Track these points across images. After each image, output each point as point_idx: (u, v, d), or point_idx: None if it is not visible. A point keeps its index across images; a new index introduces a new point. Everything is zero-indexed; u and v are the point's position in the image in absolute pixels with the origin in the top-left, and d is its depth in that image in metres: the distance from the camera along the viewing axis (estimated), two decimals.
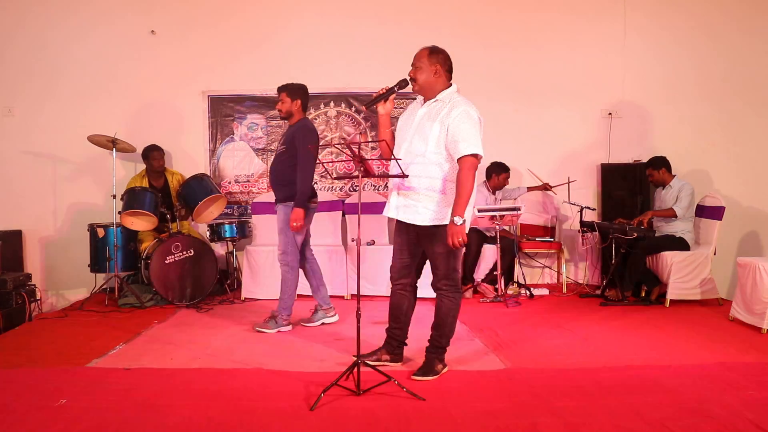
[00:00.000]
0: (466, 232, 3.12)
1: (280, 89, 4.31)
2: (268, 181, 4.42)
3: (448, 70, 3.25)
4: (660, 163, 5.36)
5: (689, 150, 6.08)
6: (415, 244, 3.33)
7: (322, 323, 4.49)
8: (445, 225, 3.11)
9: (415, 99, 3.42)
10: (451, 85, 3.26)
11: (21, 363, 3.61)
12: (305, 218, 4.25)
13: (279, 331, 4.30)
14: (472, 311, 4.94)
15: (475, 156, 3.09)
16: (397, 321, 3.49)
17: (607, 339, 4.10)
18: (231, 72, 6.01)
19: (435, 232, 3.18)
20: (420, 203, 3.19)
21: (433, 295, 3.37)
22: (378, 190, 6.10)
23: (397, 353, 3.51)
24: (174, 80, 6.03)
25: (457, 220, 3.04)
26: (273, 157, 4.48)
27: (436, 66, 3.20)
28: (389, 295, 5.31)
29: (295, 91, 4.29)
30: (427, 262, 3.39)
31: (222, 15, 6.04)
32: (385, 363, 3.48)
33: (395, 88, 3.23)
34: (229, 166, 6.10)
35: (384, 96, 3.25)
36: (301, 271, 4.44)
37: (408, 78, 3.24)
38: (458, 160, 3.10)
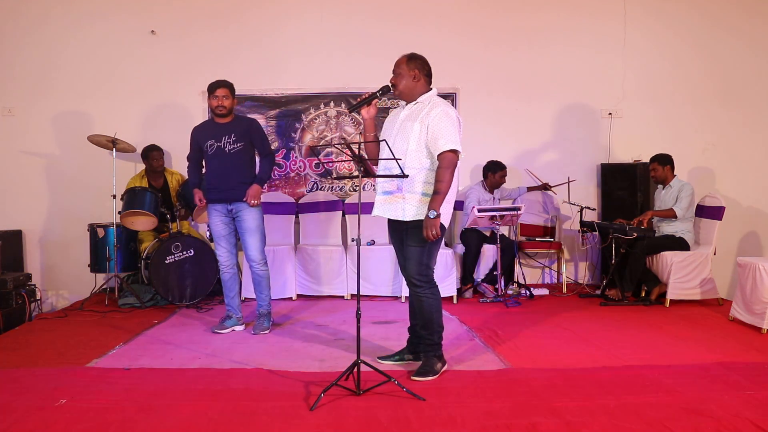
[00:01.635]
0: (446, 226, 3.26)
1: (223, 84, 4.21)
2: (218, 182, 4.22)
3: (427, 74, 3.38)
4: (667, 160, 5.36)
5: (689, 150, 6.08)
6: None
7: (233, 330, 4.40)
8: (422, 219, 3.22)
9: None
10: (431, 89, 3.38)
11: (21, 363, 3.61)
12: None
13: (273, 323, 4.38)
14: (472, 311, 4.94)
15: (454, 152, 3.20)
16: (415, 318, 3.55)
17: (607, 339, 4.10)
18: (231, 72, 5.93)
19: (416, 226, 3.25)
20: (404, 200, 3.25)
21: (447, 294, 3.41)
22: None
23: (420, 351, 3.50)
24: (174, 80, 6.03)
25: (431, 213, 3.14)
26: (218, 155, 4.22)
27: (414, 71, 3.33)
28: (389, 295, 5.41)
29: (234, 89, 4.30)
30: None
31: (222, 15, 6.04)
32: (410, 361, 3.54)
33: (378, 94, 3.34)
34: None
35: (366, 101, 3.34)
36: (228, 273, 4.38)
37: (390, 84, 3.36)
38: (438, 156, 3.20)
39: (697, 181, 5.80)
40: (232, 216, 4.30)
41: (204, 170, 4.38)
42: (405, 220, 3.26)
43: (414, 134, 3.24)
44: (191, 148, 4.40)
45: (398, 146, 3.27)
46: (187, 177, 5.50)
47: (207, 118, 6.02)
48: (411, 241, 3.28)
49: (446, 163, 3.17)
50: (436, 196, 3.17)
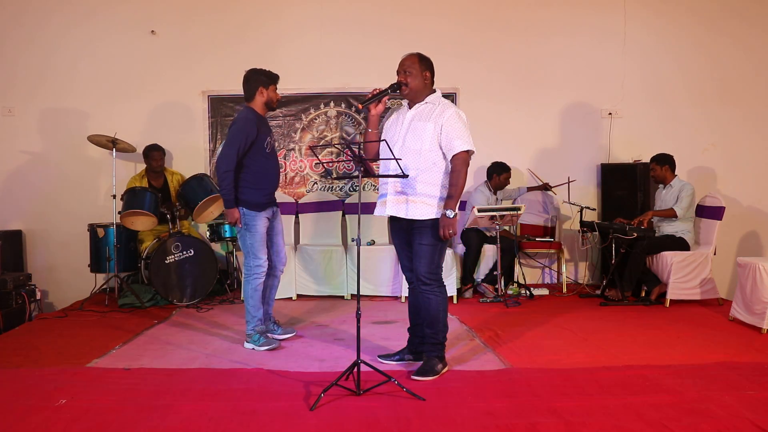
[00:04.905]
0: (464, 228, 3.25)
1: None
2: (273, 184, 4.01)
3: (433, 76, 3.43)
4: (665, 160, 5.36)
5: (689, 150, 6.08)
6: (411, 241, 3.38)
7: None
8: (437, 218, 3.25)
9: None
10: (434, 90, 3.42)
11: (21, 363, 3.62)
12: None
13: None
14: (472, 311, 4.94)
15: (468, 153, 3.27)
16: (415, 318, 3.55)
17: (607, 339, 4.10)
18: (231, 72, 5.95)
19: (429, 225, 3.27)
20: (418, 198, 3.27)
21: (447, 294, 3.43)
22: (378, 190, 6.09)
23: (420, 351, 3.51)
24: (174, 80, 6.03)
25: (450, 213, 3.20)
26: (273, 156, 4.04)
27: (426, 73, 3.38)
28: (389, 295, 5.41)
29: None
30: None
31: (222, 15, 6.04)
32: (410, 361, 3.54)
33: (388, 90, 3.35)
34: None
35: (378, 97, 3.35)
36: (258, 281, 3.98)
37: (400, 82, 3.36)
38: (453, 156, 3.25)
39: (697, 181, 5.79)
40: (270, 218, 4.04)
41: (251, 170, 3.85)
42: (420, 219, 3.26)
43: (428, 134, 3.26)
44: (241, 149, 3.77)
45: (410, 146, 3.29)
46: (187, 177, 5.52)
47: (207, 118, 6.06)
48: (423, 240, 3.29)
49: (461, 163, 3.24)
50: (453, 195, 3.22)
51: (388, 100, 3.48)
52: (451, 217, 3.19)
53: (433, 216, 3.26)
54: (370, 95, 3.34)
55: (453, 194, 3.22)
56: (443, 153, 3.28)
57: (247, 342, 3.95)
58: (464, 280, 5.52)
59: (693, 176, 6.06)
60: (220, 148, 6.02)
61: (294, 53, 6.06)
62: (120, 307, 5.11)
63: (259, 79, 3.89)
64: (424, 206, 3.25)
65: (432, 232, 3.26)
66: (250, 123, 3.82)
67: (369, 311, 4.83)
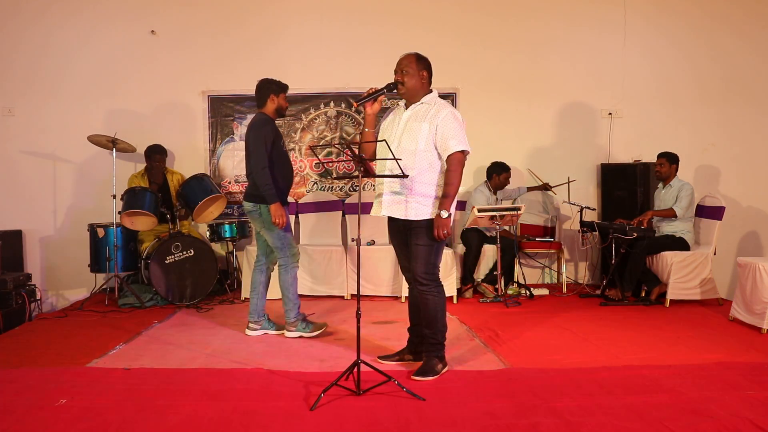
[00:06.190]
0: (451, 226, 3.26)
1: None
2: (291, 182, 4.33)
3: (431, 75, 3.42)
4: (676, 158, 5.37)
5: (689, 150, 6.07)
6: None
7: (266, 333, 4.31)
8: (433, 219, 3.25)
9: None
10: (431, 90, 3.41)
11: (21, 363, 3.61)
12: None
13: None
14: (472, 311, 4.94)
15: (463, 153, 3.26)
16: (415, 319, 3.55)
17: (607, 339, 4.10)
18: (231, 72, 6.02)
19: (425, 225, 3.27)
20: (413, 199, 3.27)
21: (447, 294, 3.42)
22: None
23: (420, 351, 3.51)
24: (174, 80, 6.03)
25: (444, 213, 3.19)
26: (288, 155, 4.30)
27: (423, 72, 3.37)
28: (389, 295, 5.41)
29: None
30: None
31: (222, 15, 6.04)
32: (410, 361, 3.54)
33: (384, 90, 3.34)
34: (229, 166, 6.10)
35: (373, 96, 3.34)
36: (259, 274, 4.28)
37: (396, 81, 3.35)
38: (448, 156, 3.24)
39: (697, 181, 5.80)
40: None
41: (274, 169, 4.05)
42: (416, 219, 3.26)
43: (423, 134, 3.26)
44: (266, 150, 4.00)
45: (405, 146, 3.28)
46: (187, 177, 5.53)
47: (207, 118, 6.06)
48: (419, 240, 3.29)
49: (456, 163, 3.23)
50: (448, 196, 3.21)
51: (387, 100, 3.47)
52: (445, 217, 3.19)
53: (428, 216, 3.25)
54: (365, 94, 3.34)
55: (448, 194, 3.22)
56: (438, 153, 3.27)
57: (290, 331, 4.11)
58: (464, 280, 5.52)
59: (693, 176, 6.06)
60: (223, 142, 6.03)
61: (294, 53, 6.06)
62: (120, 307, 5.11)
63: (270, 87, 4.19)
64: (419, 206, 3.25)
65: (427, 232, 3.26)
66: (267, 123, 4.10)
67: (369, 311, 4.82)
